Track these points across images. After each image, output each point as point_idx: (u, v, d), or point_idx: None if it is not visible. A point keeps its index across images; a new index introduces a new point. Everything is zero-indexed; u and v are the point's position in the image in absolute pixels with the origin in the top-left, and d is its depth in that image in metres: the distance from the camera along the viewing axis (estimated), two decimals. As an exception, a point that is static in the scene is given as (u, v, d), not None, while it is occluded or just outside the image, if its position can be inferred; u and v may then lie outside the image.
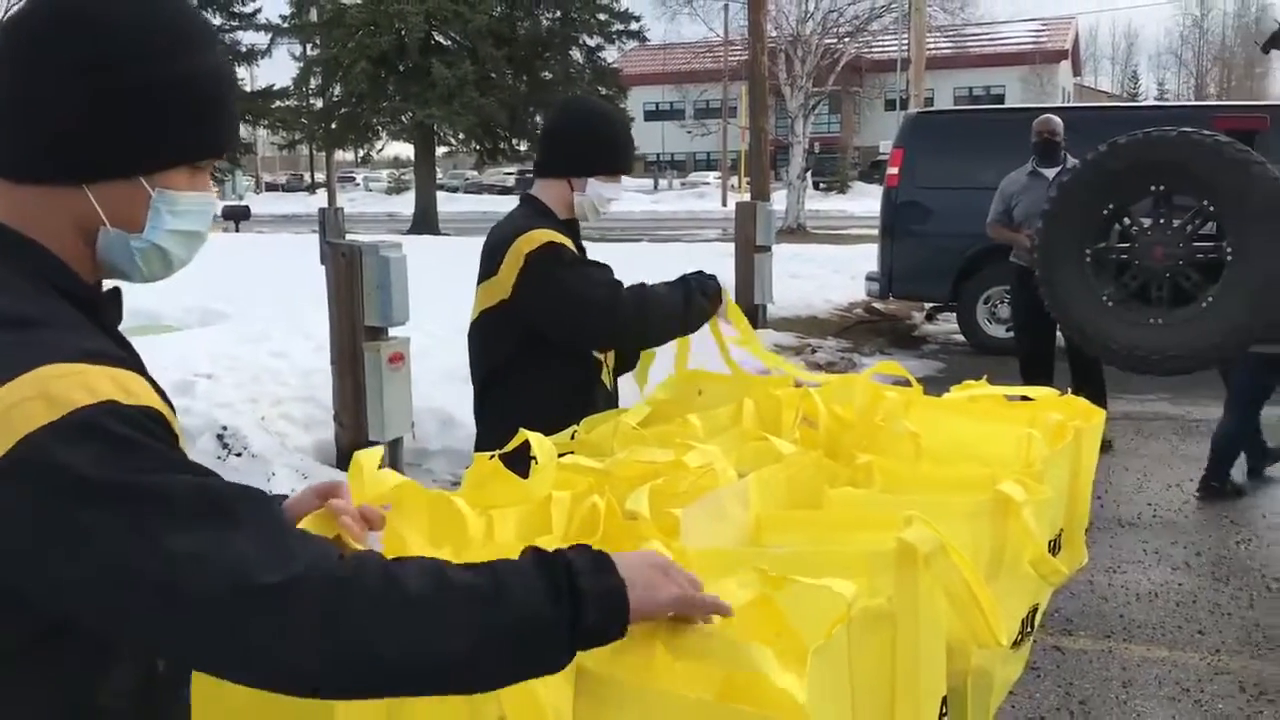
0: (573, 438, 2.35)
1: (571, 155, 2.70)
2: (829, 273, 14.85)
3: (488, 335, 2.73)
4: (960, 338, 10.93)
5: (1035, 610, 2.06)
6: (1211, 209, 4.65)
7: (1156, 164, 4.67)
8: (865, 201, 31.66)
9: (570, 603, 1.10)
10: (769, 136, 17.16)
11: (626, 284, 2.72)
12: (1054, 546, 2.22)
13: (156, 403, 1.08)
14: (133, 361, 1.13)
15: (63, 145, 1.12)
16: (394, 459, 5.69)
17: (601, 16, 29.14)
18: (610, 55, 30.48)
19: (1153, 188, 4.74)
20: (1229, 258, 4.60)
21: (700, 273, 2.79)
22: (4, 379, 1.00)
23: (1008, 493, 1.84)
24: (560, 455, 1.96)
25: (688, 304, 2.68)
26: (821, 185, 46.33)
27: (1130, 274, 4.83)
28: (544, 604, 1.08)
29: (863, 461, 2.13)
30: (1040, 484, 2.01)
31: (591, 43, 29.51)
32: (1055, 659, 4.05)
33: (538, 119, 29.38)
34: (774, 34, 26.60)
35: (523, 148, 29.96)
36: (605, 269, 2.67)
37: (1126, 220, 4.88)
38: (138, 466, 1.00)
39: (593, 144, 2.70)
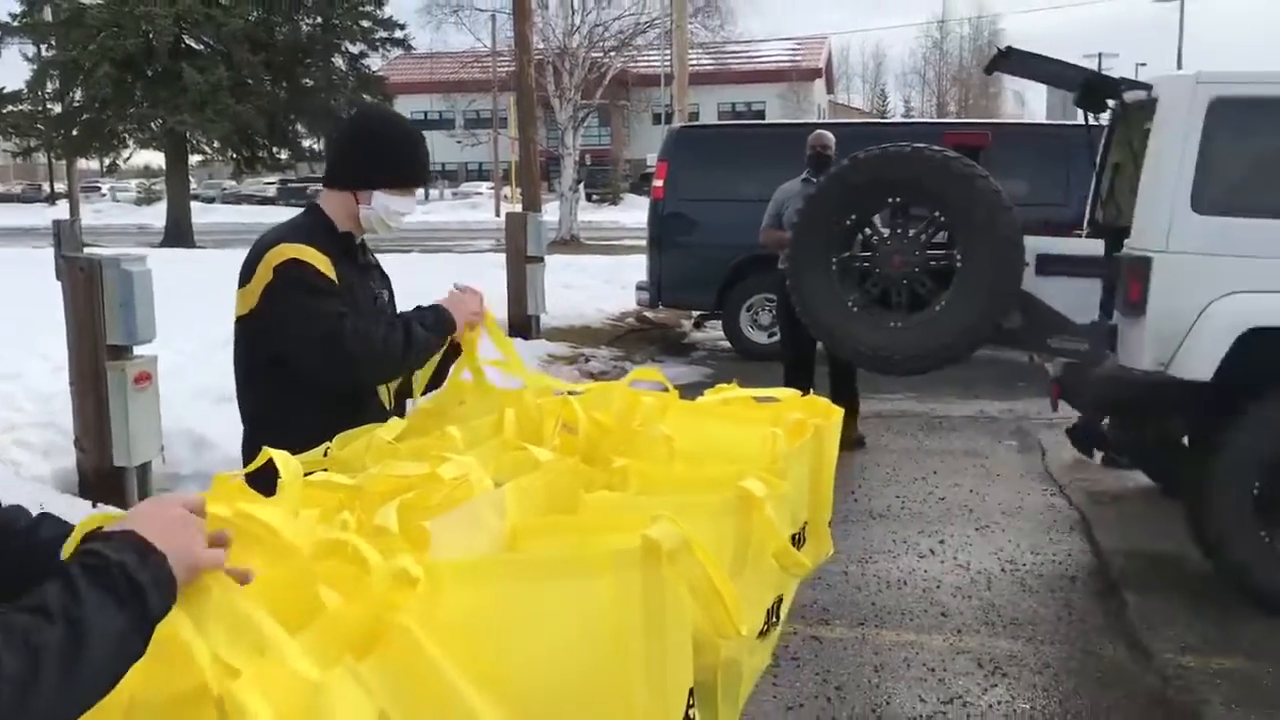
0: (325, 454, 2.30)
1: (358, 167, 2.63)
2: (601, 283, 15.07)
3: (243, 341, 2.66)
4: (727, 344, 11.31)
5: (780, 601, 2.16)
6: (942, 219, 5.01)
7: (893, 178, 4.99)
8: (636, 213, 32.26)
9: (136, 603, 1.15)
10: (540, 148, 17.24)
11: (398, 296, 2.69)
12: (799, 539, 2.33)
13: None
14: None
15: None
16: (142, 484, 5.38)
17: (364, 23, 28.49)
18: (375, 63, 29.86)
19: (890, 200, 5.06)
20: (959, 265, 4.96)
21: (423, 307, 2.74)
22: None
23: (750, 489, 1.92)
24: (310, 473, 1.92)
25: (408, 341, 2.60)
26: (594, 197, 46.89)
27: (872, 281, 5.13)
28: (117, 617, 1.13)
29: (619, 465, 2.18)
30: (782, 480, 2.11)
31: (355, 49, 28.81)
32: (814, 648, 4.25)
33: (299, 127, 28.47)
34: (541, 46, 26.78)
35: (283, 156, 28.93)
36: (338, 299, 2.55)
37: (868, 230, 5.18)
38: None
39: (380, 156, 2.63)
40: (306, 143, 29.73)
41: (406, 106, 40.14)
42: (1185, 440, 5.12)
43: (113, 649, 1.13)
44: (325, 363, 2.54)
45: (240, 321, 2.62)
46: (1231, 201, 4.64)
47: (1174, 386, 4.59)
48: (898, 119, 55.27)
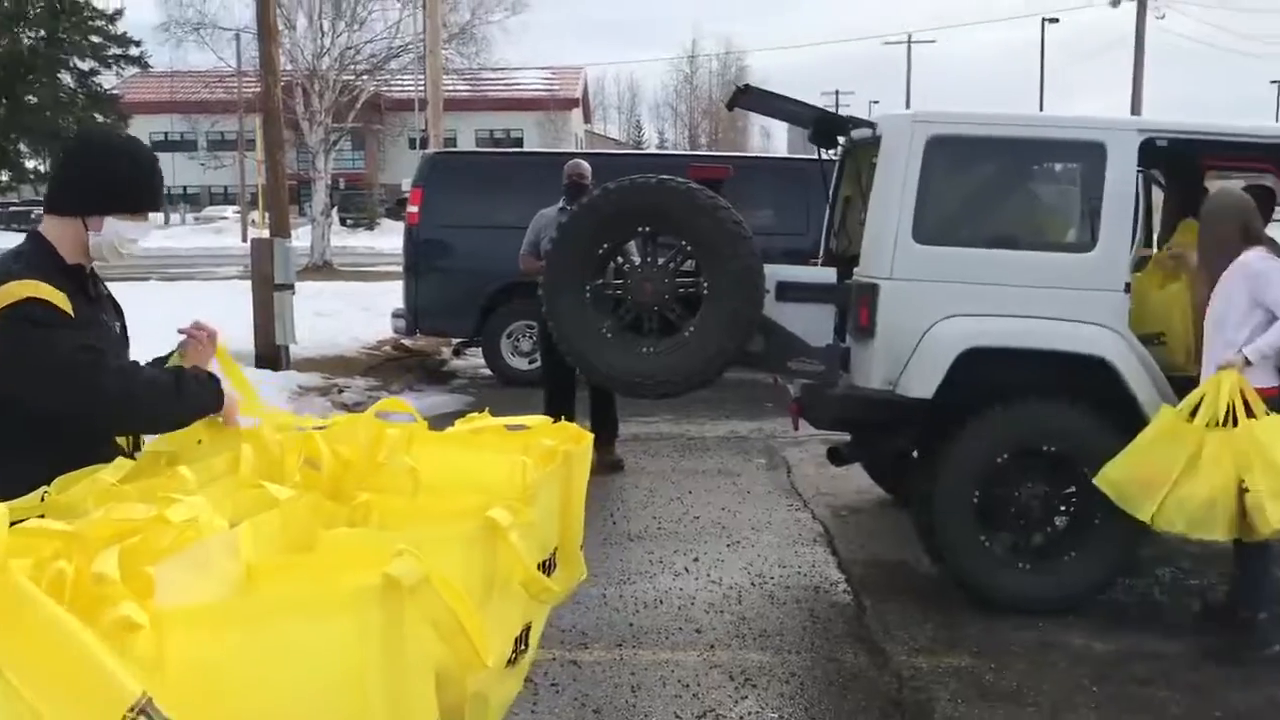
0: (43, 499, 2.15)
1: (85, 193, 2.47)
2: (357, 310, 14.71)
3: None
4: (488, 371, 11.26)
5: (529, 628, 2.17)
6: (689, 248, 5.18)
7: (641, 208, 5.13)
8: (393, 238, 31.57)
9: None
10: (290, 171, 16.68)
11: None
12: (548, 566, 2.36)
13: None
14: None
15: None
16: None
17: (94, 38, 26.75)
18: (109, 81, 28.07)
19: (640, 229, 5.20)
20: (706, 292, 5.15)
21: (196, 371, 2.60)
22: None
23: (495, 518, 1.93)
24: (19, 521, 1.79)
25: (180, 389, 2.45)
26: (349, 222, 45.72)
27: (625, 308, 5.25)
28: None
29: (361, 500, 2.14)
30: (529, 507, 2.13)
31: (84, 66, 26.99)
32: (572, 672, 4.28)
33: (21, 146, 26.38)
34: (290, 68, 25.97)
35: (3, 178, 26.72)
36: (84, 334, 2.39)
37: (620, 259, 5.31)
38: None
39: (109, 180, 2.47)
40: (31, 164, 27.58)
41: (145, 127, 37.94)
42: (915, 454, 5.48)
43: None
44: (79, 402, 2.36)
45: None
46: (949, 232, 5.03)
47: (901, 404, 4.92)
48: (652, 150, 56.69)
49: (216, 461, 2.34)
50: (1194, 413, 4.39)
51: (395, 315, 11.26)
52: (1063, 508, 4.98)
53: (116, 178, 2.50)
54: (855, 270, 5.15)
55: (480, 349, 11.36)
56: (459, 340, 12.34)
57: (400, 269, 11.37)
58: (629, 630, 4.75)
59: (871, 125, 5.42)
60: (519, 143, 51.88)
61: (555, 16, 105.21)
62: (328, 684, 1.50)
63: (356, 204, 47.73)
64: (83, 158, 2.56)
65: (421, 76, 24.82)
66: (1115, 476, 4.53)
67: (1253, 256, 4.46)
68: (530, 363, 10.91)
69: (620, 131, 78.30)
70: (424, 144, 22.05)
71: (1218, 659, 4.43)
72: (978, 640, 4.63)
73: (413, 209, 10.92)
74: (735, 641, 4.64)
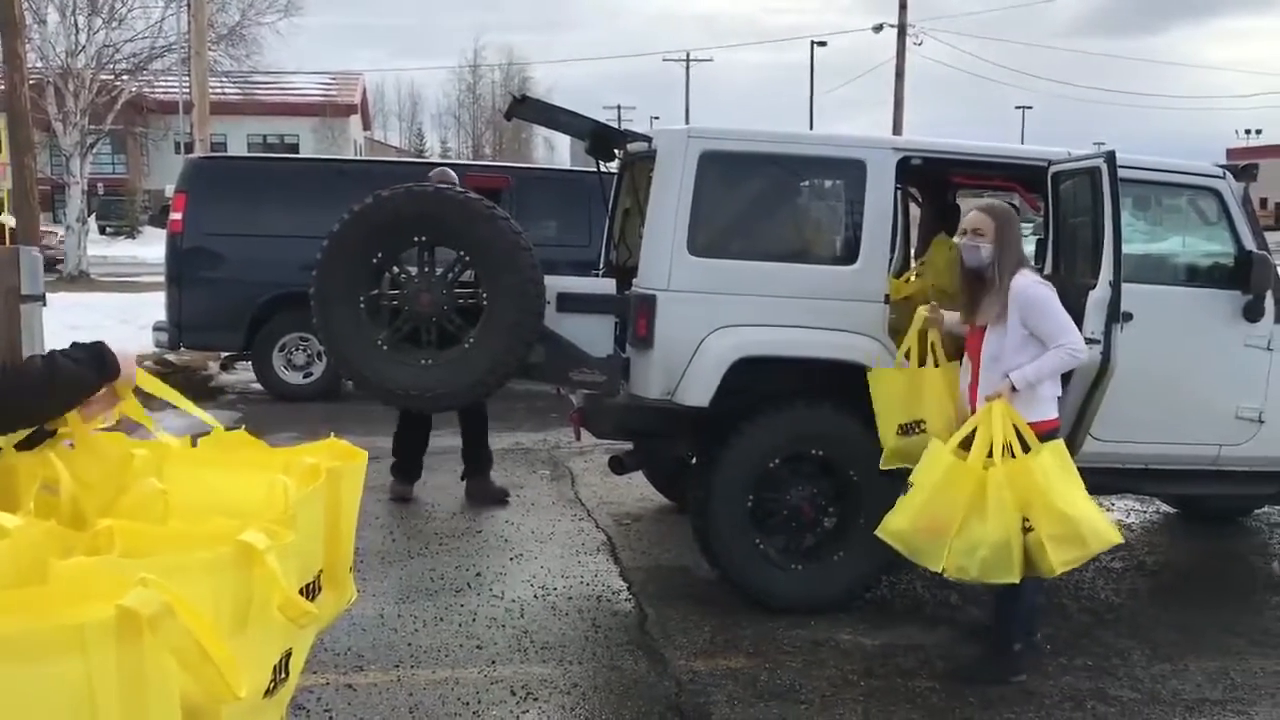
0: None
1: None
2: (116, 323, 13.84)
3: None
4: (259, 386, 10.80)
5: (289, 654, 2.07)
6: (467, 259, 5.12)
7: (417, 216, 5.03)
8: (157, 247, 29.91)
9: None
10: (41, 175, 15.54)
11: None
12: (312, 589, 2.26)
13: None
14: None
15: None
16: None
17: None
18: None
19: (416, 239, 5.09)
20: (485, 302, 5.10)
21: (78, 343, 2.40)
22: None
23: (250, 541, 1.83)
24: None
25: (51, 373, 2.26)
26: (108, 229, 43.01)
27: (402, 319, 5.13)
28: None
29: (103, 526, 1.99)
30: (289, 529, 2.04)
31: None
32: (347, 697, 4.13)
33: None
34: (40, 65, 24.25)
35: None
36: None
37: (396, 269, 5.18)
38: None
39: None
40: None
41: None
42: (693, 461, 5.59)
43: None
44: None
45: None
46: (721, 245, 5.16)
47: (679, 413, 5.01)
48: (434, 159, 56.07)
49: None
50: (964, 443, 4.26)
51: (157, 328, 10.64)
52: (830, 509, 5.18)
53: None
54: (634, 282, 5.21)
55: (250, 363, 10.89)
56: (227, 354, 11.79)
57: (164, 279, 10.76)
58: (407, 650, 4.63)
59: (647, 139, 5.50)
60: (294, 148, 50.13)
61: (331, 20, 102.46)
62: (54, 730, 1.38)
63: (117, 210, 44.92)
64: None
65: (187, 78, 23.64)
66: (898, 526, 4.31)
67: (1025, 282, 4.31)
68: (305, 376, 10.55)
69: (401, 139, 76.93)
70: (190, 148, 21.03)
71: (964, 678, 4.42)
72: (754, 641, 4.76)
73: (176, 216, 10.35)
74: (517, 655, 4.60)
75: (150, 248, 33.37)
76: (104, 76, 26.08)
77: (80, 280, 23.60)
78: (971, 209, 4.62)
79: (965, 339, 4.64)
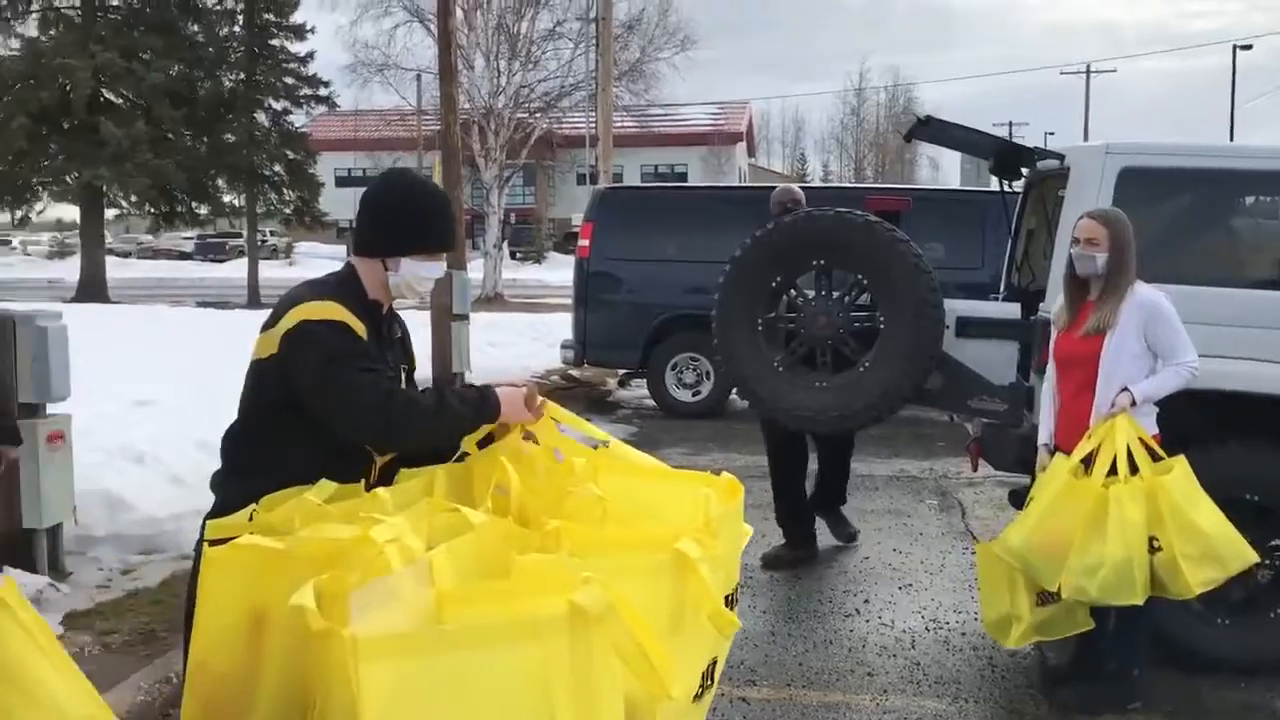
0: (251, 518, 2.26)
1: (384, 235, 2.57)
2: (527, 340, 15.06)
3: (254, 382, 2.56)
4: (651, 402, 11.34)
5: (715, 663, 2.15)
6: (865, 282, 5.10)
7: (816, 241, 5.08)
8: (561, 271, 32.31)
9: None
10: (465, 206, 17.25)
11: None
12: (732, 600, 2.33)
13: None
14: None
15: None
16: (53, 547, 5.20)
17: (288, 80, 28.39)
18: (298, 119, 29.70)
19: (814, 262, 5.15)
20: (882, 326, 5.06)
21: (470, 384, 2.68)
22: None
23: (685, 550, 1.92)
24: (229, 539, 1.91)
25: (439, 409, 2.49)
26: (518, 255, 46.91)
27: (798, 341, 5.20)
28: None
29: (552, 527, 2.17)
30: (715, 540, 2.12)
31: (278, 106, 28.64)
32: (741, 710, 4.23)
33: (219, 182, 28.13)
34: (467, 106, 26.89)
35: (203, 211, 28.51)
36: (364, 359, 2.48)
37: (793, 292, 5.26)
38: None
39: (406, 223, 2.56)
40: (227, 198, 29.37)
41: (330, 164, 39.94)
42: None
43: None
44: (347, 414, 2.44)
45: (258, 362, 2.54)
46: (1141, 268, 4.78)
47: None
48: (818, 183, 56.40)
49: (412, 484, 2.42)
50: (1086, 460, 4.01)
51: (564, 346, 11.48)
52: (1267, 560, 4.66)
53: (411, 220, 2.58)
54: (1040, 306, 4.97)
55: (645, 380, 11.46)
56: (624, 371, 12.48)
57: (567, 301, 11.59)
58: (798, 670, 4.67)
59: (1059, 156, 5.23)
60: (683, 177, 52.26)
61: (722, 53, 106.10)
62: (518, 710, 1.51)
63: (526, 238, 48.93)
64: (380, 202, 2.63)
65: (593, 113, 25.33)
66: (1016, 544, 4.14)
67: (1154, 294, 4.14)
68: (694, 395, 10.95)
69: (784, 165, 78.09)
70: (593, 179, 22.50)
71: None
72: (1174, 700, 4.36)
73: (583, 242, 11.13)
74: (910, 687, 4.50)
75: (555, 272, 36.06)
76: (520, 115, 28.53)
77: (495, 301, 25.92)
78: (1084, 216, 4.23)
79: (1055, 343, 4.34)
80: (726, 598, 2.28)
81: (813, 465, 6.38)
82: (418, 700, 1.52)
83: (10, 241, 54.21)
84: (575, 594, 1.57)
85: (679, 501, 2.38)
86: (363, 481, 2.46)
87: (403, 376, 2.69)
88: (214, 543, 2.18)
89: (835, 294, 5.19)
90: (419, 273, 2.59)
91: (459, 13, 22.74)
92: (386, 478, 2.52)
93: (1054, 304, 4.50)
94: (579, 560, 1.97)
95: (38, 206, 28.37)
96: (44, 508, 5.02)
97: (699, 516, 2.28)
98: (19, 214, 28.22)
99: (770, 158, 78.41)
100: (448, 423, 2.51)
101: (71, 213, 32.92)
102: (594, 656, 1.54)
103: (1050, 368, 4.43)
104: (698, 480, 2.51)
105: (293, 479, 2.29)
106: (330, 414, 2.44)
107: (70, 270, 29.95)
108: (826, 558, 6.28)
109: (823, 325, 5.15)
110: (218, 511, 2.42)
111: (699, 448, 9.38)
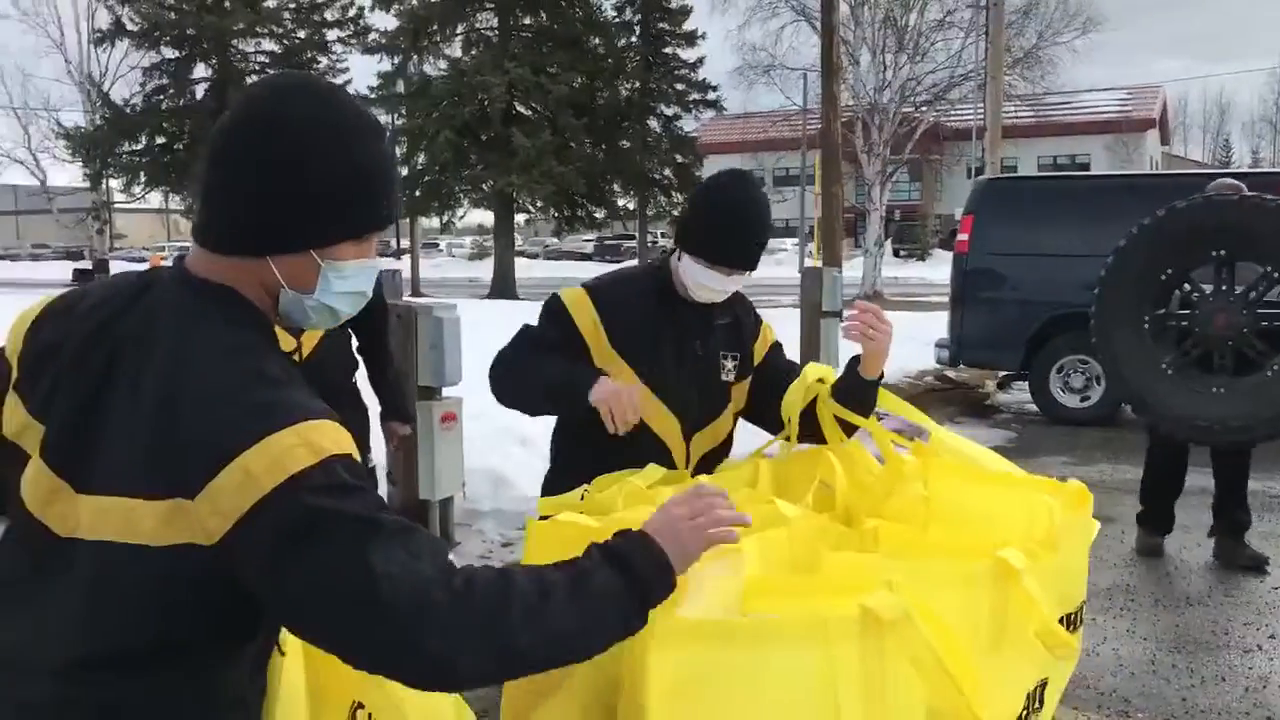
0: (582, 498, 2.35)
1: (681, 231, 2.61)
2: (902, 339, 14.46)
3: None
4: (1033, 407, 10.70)
5: (1044, 684, 1.97)
6: (1278, 276, 4.51)
7: (1217, 228, 4.55)
8: (944, 269, 31.32)
9: (638, 588, 1.37)
10: (846, 204, 17.16)
11: None
12: (1072, 620, 2.13)
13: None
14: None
15: (251, 226, 1.36)
16: (444, 518, 5.71)
17: (680, 86, 29.57)
18: (687, 124, 30.86)
19: (1214, 253, 4.61)
20: (1296, 325, 4.45)
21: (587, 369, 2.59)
22: (279, 427, 1.25)
23: (1007, 559, 1.77)
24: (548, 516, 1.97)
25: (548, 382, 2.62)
26: (902, 252, 46.06)
27: (1191, 341, 4.69)
28: (619, 588, 1.37)
29: (870, 526, 2.08)
30: (1052, 552, 1.94)
31: (669, 112, 29.91)
32: (1109, 741, 3.87)
33: (615, 186, 29.80)
34: (852, 103, 26.71)
35: (600, 214, 30.32)
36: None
37: (1187, 286, 4.75)
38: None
39: (696, 226, 2.55)
40: (621, 202, 31.08)
41: (715, 166, 41.01)
42: None
43: (606, 612, 1.35)
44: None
45: None
46: None
47: None
48: (1242, 170, 50.91)
49: (735, 474, 2.42)
50: None
51: (939, 345, 11.09)
52: None
53: (701, 224, 2.53)
54: None
55: (1027, 383, 10.82)
56: (1004, 373, 11.86)
57: (947, 299, 11.18)
58: (1180, 705, 4.20)
59: None
60: (1084, 167, 48.94)
61: (1131, 35, 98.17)
62: (803, 713, 1.45)
63: (910, 235, 47.91)
64: (691, 200, 2.67)
65: (981, 104, 24.34)
66: None
67: None
68: (1081, 400, 10.20)
69: (1203, 152, 71.02)
70: (980, 172, 21.61)
71: None
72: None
73: (962, 237, 10.68)
74: (1324, 738, 3.92)
75: (938, 270, 35.04)
76: (905, 109, 27.94)
77: (873, 299, 25.58)
78: None
79: None
80: (1066, 616, 2.08)
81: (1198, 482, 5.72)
82: (703, 689, 1.50)
83: (438, 244, 60.66)
84: (868, 598, 1.48)
85: (1016, 508, 2.20)
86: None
87: (707, 356, 2.69)
88: (543, 518, 2.29)
89: (1238, 289, 4.62)
90: (697, 277, 2.55)
91: (844, 8, 22.63)
92: (708, 468, 2.54)
93: None
94: (891, 562, 1.87)
95: (459, 212, 31.47)
96: (437, 482, 5.53)
97: (1038, 526, 2.10)
98: (444, 219, 31.43)
99: (1188, 145, 71.64)
100: (550, 395, 2.61)
101: (488, 218, 36.23)
102: (886, 664, 1.45)
103: None
104: (1041, 486, 2.31)
105: (603, 473, 2.35)
106: None
107: (487, 270, 32.96)
108: (1228, 585, 5.61)
109: (1222, 324, 4.61)
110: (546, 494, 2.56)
111: (1084, 457, 8.70)
